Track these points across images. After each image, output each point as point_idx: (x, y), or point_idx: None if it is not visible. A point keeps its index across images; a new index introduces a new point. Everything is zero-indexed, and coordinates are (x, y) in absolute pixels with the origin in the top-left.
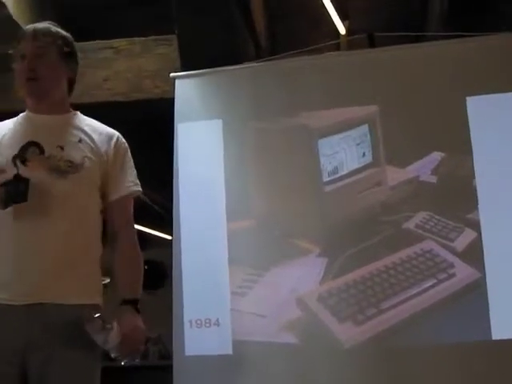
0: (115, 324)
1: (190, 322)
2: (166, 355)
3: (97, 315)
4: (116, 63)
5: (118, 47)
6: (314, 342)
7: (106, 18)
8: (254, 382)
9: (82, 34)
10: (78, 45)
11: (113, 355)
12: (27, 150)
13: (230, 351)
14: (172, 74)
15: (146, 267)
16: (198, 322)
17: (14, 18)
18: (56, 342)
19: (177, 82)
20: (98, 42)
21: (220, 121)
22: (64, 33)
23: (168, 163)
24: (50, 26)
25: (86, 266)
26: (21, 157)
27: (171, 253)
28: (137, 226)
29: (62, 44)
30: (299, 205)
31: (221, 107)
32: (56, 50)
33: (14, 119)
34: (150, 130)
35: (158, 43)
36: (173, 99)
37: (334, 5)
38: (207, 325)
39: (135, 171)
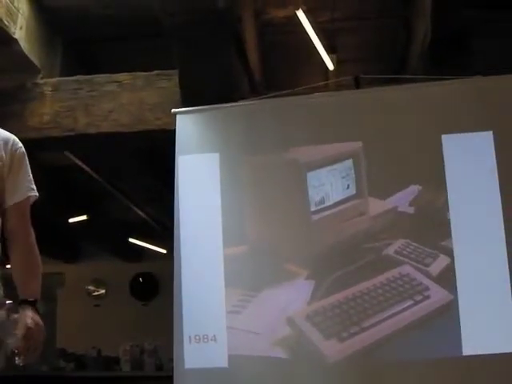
0: (20, 317)
1: (190, 337)
2: (161, 366)
3: (8, 302)
4: (120, 96)
5: (122, 81)
6: (302, 356)
7: (113, 51)
8: None
9: (91, 66)
10: (86, 78)
11: (13, 349)
12: None
13: (225, 364)
14: (173, 110)
15: (140, 279)
16: (197, 337)
17: (26, 52)
18: None
19: (177, 117)
20: (103, 75)
21: (217, 154)
22: None
23: (164, 185)
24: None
25: None
26: None
27: (164, 265)
28: (132, 240)
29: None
30: (289, 232)
31: (218, 141)
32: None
33: None
34: (150, 157)
35: (160, 78)
36: (172, 130)
37: (322, 41)
38: (205, 340)
39: (31, 175)
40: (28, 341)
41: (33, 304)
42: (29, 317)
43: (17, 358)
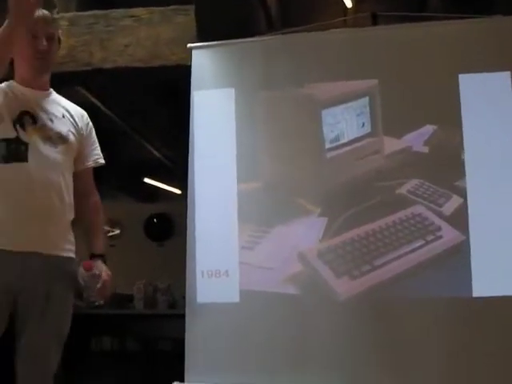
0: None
1: (202, 272)
2: (174, 304)
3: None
4: (136, 31)
5: (138, 16)
6: (313, 293)
7: None
8: (257, 328)
9: (107, 2)
10: (101, 13)
11: (91, 299)
12: (23, 118)
13: (237, 299)
14: (189, 45)
15: (155, 220)
16: (209, 272)
17: None
18: (51, 285)
19: (193, 52)
20: (119, 10)
21: (232, 89)
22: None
23: (180, 123)
24: (49, 13)
25: (69, 224)
26: (20, 122)
27: (179, 206)
28: (146, 180)
29: (59, 34)
30: (303, 169)
31: (233, 77)
32: (57, 36)
33: (5, 86)
34: (165, 93)
35: (176, 12)
36: (188, 66)
37: None
38: (217, 275)
39: (98, 144)
40: (105, 289)
41: (103, 257)
42: (104, 271)
43: (96, 302)
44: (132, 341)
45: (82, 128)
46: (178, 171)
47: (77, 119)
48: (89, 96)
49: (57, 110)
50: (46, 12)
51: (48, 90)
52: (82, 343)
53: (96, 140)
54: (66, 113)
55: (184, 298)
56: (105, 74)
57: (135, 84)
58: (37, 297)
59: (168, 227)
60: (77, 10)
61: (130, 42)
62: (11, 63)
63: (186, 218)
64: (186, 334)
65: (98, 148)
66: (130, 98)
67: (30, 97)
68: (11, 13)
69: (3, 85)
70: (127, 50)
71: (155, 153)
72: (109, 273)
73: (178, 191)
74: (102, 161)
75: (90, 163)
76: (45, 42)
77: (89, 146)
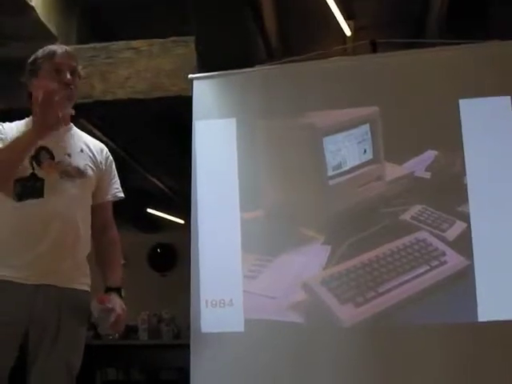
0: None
1: (206, 301)
2: (178, 335)
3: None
4: (137, 63)
5: (138, 48)
6: (318, 321)
7: (128, 18)
8: (262, 357)
9: (105, 33)
10: (102, 45)
11: (105, 332)
12: (40, 154)
13: (241, 328)
14: (190, 76)
15: (158, 250)
16: (213, 302)
17: (43, 20)
18: (63, 317)
19: (194, 82)
20: (120, 42)
21: (234, 119)
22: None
23: (181, 153)
24: (69, 48)
25: (84, 257)
26: (36, 159)
27: (182, 236)
28: (149, 210)
29: (78, 67)
30: (306, 197)
31: (234, 106)
32: (78, 70)
33: (23, 123)
34: (167, 124)
35: (176, 44)
36: (189, 97)
37: (339, 6)
38: (221, 304)
39: (118, 178)
40: (118, 324)
41: (118, 291)
42: (118, 304)
43: (110, 336)
44: (137, 371)
45: (100, 162)
46: (181, 201)
47: (96, 153)
48: (91, 128)
49: (75, 145)
50: (65, 47)
51: (68, 124)
52: (88, 374)
53: (116, 174)
54: (84, 147)
55: (189, 328)
56: (106, 105)
57: (136, 115)
58: (48, 329)
59: (171, 257)
60: (77, 43)
61: (130, 73)
62: (31, 101)
63: (189, 247)
64: (191, 363)
65: (118, 182)
66: (131, 129)
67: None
68: (37, 124)
69: (23, 121)
70: (128, 81)
71: (158, 183)
72: (123, 307)
73: (181, 221)
74: (122, 194)
75: (109, 197)
76: (69, 76)
77: (108, 179)
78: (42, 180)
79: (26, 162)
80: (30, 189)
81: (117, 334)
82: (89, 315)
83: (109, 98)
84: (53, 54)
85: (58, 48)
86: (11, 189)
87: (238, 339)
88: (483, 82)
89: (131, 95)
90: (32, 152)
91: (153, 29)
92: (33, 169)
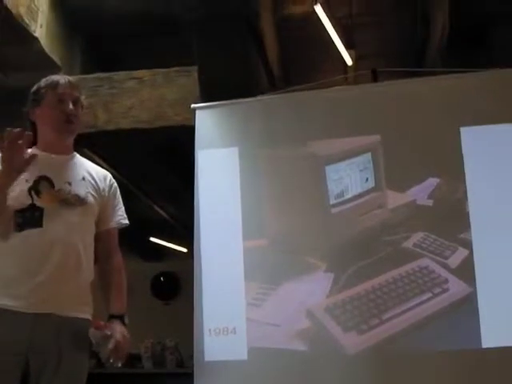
0: (111, 331)
1: (210, 330)
2: (182, 363)
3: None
4: (140, 93)
5: (141, 78)
6: (322, 349)
7: (130, 47)
8: None
9: (108, 62)
10: (106, 75)
11: (105, 359)
12: (39, 184)
13: (245, 357)
14: (193, 106)
15: (161, 279)
16: (217, 330)
17: (47, 51)
18: (63, 346)
19: (197, 112)
20: (123, 72)
21: (236, 148)
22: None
23: (184, 182)
24: (72, 78)
25: (87, 285)
26: (35, 189)
27: (185, 264)
28: (152, 239)
29: (81, 96)
30: (308, 225)
31: (237, 136)
32: (81, 100)
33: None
34: (170, 154)
35: (179, 74)
36: (191, 126)
37: (340, 36)
38: (225, 333)
39: (122, 205)
40: (118, 351)
41: (121, 318)
42: (118, 332)
43: (111, 363)
44: None
45: (103, 189)
46: (184, 230)
47: (98, 181)
48: (94, 157)
49: (77, 173)
50: (68, 77)
51: (70, 153)
52: None
53: (120, 201)
54: (86, 175)
55: (192, 356)
56: (109, 135)
57: (139, 144)
58: (49, 358)
59: (174, 286)
60: (81, 73)
61: (133, 103)
62: (33, 130)
63: (192, 276)
64: None
65: (122, 209)
66: (134, 159)
67: (49, 161)
68: (5, 169)
69: (29, 151)
70: (131, 111)
71: (161, 212)
72: (125, 334)
73: (184, 249)
74: (126, 221)
75: (113, 224)
76: (71, 106)
77: (112, 206)
78: (42, 209)
79: (25, 193)
80: (29, 219)
81: (120, 362)
82: (90, 343)
83: (112, 127)
84: (56, 84)
85: (61, 78)
86: (10, 222)
87: (242, 367)
88: (484, 109)
89: (134, 125)
90: (31, 183)
91: (155, 58)
92: (32, 199)
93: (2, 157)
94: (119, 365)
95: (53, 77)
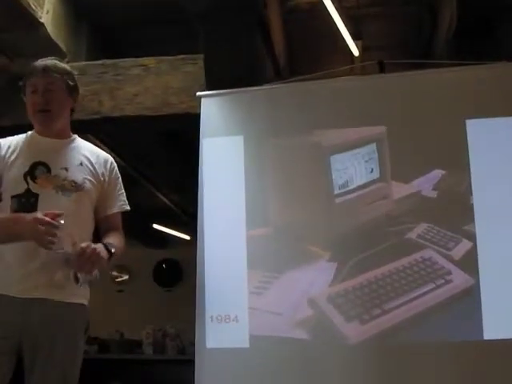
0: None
1: (211, 317)
2: (183, 350)
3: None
4: (145, 80)
5: (147, 65)
6: (323, 338)
7: (136, 34)
8: (267, 373)
9: (114, 50)
10: (111, 62)
11: (74, 267)
12: (36, 169)
13: (247, 345)
14: (198, 93)
15: (164, 266)
16: (219, 317)
17: (52, 37)
18: (57, 331)
19: (202, 100)
20: (128, 59)
21: (241, 137)
22: (69, 68)
23: (188, 170)
24: (57, 62)
25: None
26: (31, 174)
27: (187, 252)
28: (155, 226)
29: (67, 79)
30: (312, 214)
31: (242, 124)
32: (62, 84)
33: (22, 137)
34: (174, 141)
35: (185, 62)
36: (196, 114)
37: (347, 27)
38: (227, 320)
39: (123, 190)
40: (83, 257)
41: (107, 248)
42: (93, 244)
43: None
44: None
45: (103, 174)
46: (187, 217)
47: (97, 166)
48: (99, 144)
49: (74, 158)
50: (48, 61)
51: (68, 137)
52: None
53: (121, 186)
54: (84, 160)
55: (193, 343)
56: (114, 122)
57: (144, 132)
58: (42, 342)
59: (177, 273)
60: (86, 60)
61: (138, 90)
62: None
63: (194, 263)
64: (195, 379)
65: (124, 194)
66: (139, 146)
67: (45, 146)
68: (35, 240)
69: (23, 135)
70: (136, 98)
71: (164, 199)
72: (98, 251)
73: (186, 237)
74: (127, 207)
75: (115, 210)
76: (41, 96)
77: (113, 192)
78: (37, 195)
79: (20, 178)
80: (24, 204)
81: (91, 276)
82: (86, 327)
83: (117, 114)
84: (30, 73)
85: (38, 65)
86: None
87: (243, 355)
88: (490, 102)
89: (139, 112)
90: (27, 168)
91: (162, 46)
92: (27, 184)
93: (37, 229)
94: (87, 278)
95: (34, 63)
